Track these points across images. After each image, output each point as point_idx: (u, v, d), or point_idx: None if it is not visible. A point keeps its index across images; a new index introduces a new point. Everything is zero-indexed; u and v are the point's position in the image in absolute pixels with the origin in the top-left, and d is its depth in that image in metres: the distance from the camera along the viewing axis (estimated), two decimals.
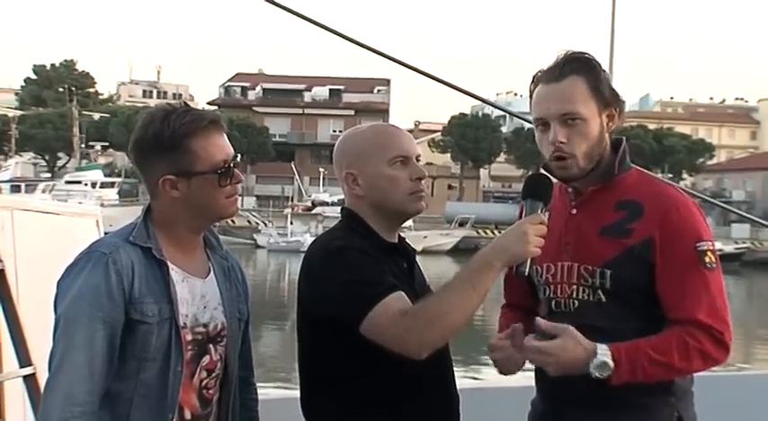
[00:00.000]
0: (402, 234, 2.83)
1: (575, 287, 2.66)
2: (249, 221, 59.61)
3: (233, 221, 49.47)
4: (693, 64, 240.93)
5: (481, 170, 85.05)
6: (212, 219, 2.58)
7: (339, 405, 2.60)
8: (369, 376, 2.56)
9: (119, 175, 73.41)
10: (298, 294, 2.65)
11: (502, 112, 77.16)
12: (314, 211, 64.31)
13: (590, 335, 2.54)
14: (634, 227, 2.60)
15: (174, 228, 2.50)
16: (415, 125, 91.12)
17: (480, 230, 59.93)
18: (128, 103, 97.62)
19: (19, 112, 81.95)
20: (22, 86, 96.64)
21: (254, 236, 57.85)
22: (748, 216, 7.32)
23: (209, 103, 78.74)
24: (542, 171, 2.69)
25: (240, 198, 2.59)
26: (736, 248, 55.57)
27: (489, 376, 17.17)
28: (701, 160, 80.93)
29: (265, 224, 60.96)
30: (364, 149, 2.71)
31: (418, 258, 2.83)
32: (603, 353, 2.47)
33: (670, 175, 66.68)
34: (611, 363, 2.47)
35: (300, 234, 55.96)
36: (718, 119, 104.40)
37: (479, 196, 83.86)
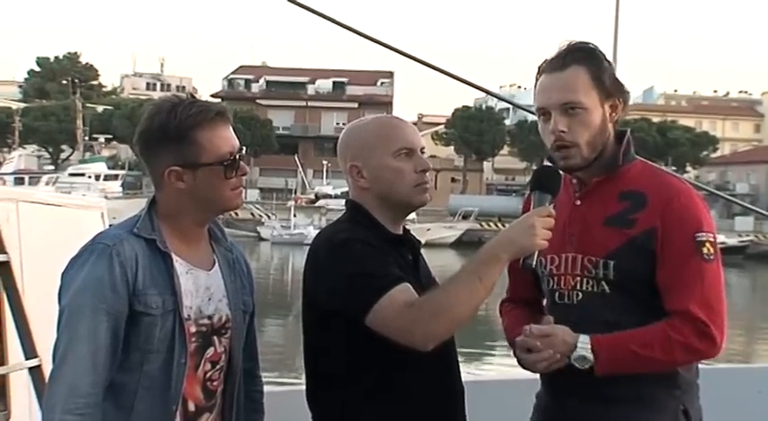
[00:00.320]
0: (406, 226, 2.83)
1: (578, 278, 2.66)
2: (252, 214, 59.65)
3: (236, 214, 49.45)
4: (697, 57, 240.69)
5: (485, 163, 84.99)
6: (217, 212, 2.58)
7: (344, 397, 2.60)
8: (374, 368, 2.55)
9: (122, 168, 73.49)
10: (303, 287, 2.65)
11: (505, 105, 77.22)
12: (317, 204, 64.27)
13: (593, 327, 2.55)
14: (637, 217, 2.60)
15: (179, 220, 2.50)
16: (419, 118, 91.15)
17: (484, 223, 59.95)
18: (131, 96, 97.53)
19: (22, 105, 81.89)
20: (25, 78, 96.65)
21: (258, 228, 57.88)
22: (753, 208, 7.33)
23: (212, 96, 78.61)
24: (547, 163, 2.69)
25: (243, 190, 2.58)
26: (740, 241, 55.53)
27: (493, 369, 17.24)
28: (705, 153, 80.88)
29: (269, 216, 61.00)
30: (369, 141, 2.71)
31: (422, 251, 2.84)
32: (583, 346, 2.50)
33: (674, 168, 66.49)
34: (591, 356, 2.49)
35: (304, 226, 55.99)
36: (722, 112, 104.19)
37: (483, 189, 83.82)
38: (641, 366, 2.54)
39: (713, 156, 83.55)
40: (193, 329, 2.45)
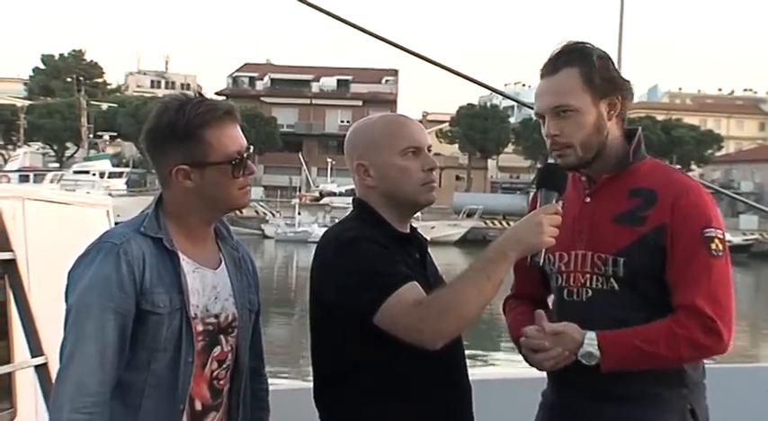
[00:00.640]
0: (412, 224, 2.83)
1: (588, 276, 2.66)
2: (257, 212, 59.64)
3: (240, 211, 49.36)
4: (702, 55, 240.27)
5: (489, 161, 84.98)
6: (224, 210, 2.57)
7: (350, 395, 2.60)
8: (380, 366, 2.55)
9: (127, 165, 73.56)
10: (310, 285, 2.65)
11: (510, 103, 77.13)
12: (322, 202, 64.37)
13: (602, 325, 2.55)
14: (647, 214, 2.60)
15: (186, 219, 2.50)
16: (423, 115, 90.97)
17: (488, 221, 59.94)
18: (136, 94, 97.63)
19: (27, 102, 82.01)
20: (30, 76, 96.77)
21: (262, 226, 57.89)
22: (758, 205, 7.33)
23: (216, 93, 78.67)
24: (553, 160, 2.70)
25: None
26: (745, 240, 55.44)
27: (499, 367, 17.23)
28: (710, 151, 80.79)
29: (273, 214, 60.99)
30: (375, 140, 2.71)
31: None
32: (590, 342, 2.51)
33: (678, 166, 66.39)
34: (597, 353, 2.50)
35: (308, 224, 56.04)
36: (727, 110, 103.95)
37: (487, 187, 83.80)
38: (647, 362, 2.54)
39: (718, 154, 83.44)
40: (200, 328, 2.45)
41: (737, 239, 52.60)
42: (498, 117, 79.53)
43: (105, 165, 65.52)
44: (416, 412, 2.59)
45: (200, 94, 2.53)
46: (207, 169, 2.44)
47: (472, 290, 2.43)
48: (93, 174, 61.66)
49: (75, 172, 63.00)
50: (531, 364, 2.62)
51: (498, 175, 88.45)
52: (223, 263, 2.58)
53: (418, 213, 2.82)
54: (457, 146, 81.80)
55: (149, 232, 2.43)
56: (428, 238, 2.89)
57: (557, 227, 2.47)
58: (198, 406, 2.47)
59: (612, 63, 2.69)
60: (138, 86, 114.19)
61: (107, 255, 2.36)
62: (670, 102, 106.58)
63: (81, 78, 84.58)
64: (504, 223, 57.88)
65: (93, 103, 76.37)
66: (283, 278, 38.55)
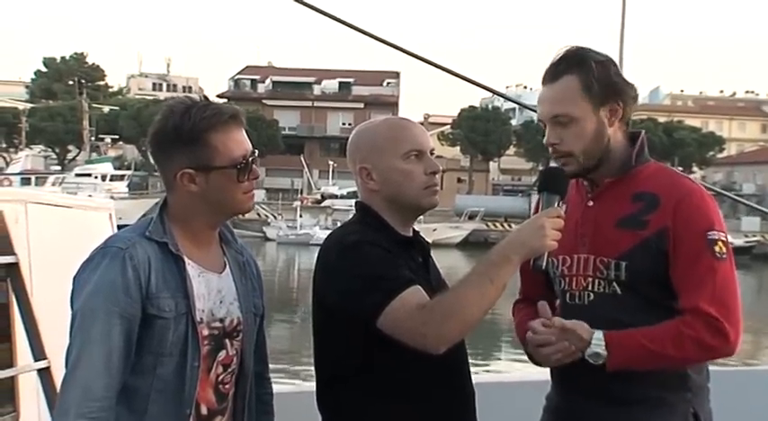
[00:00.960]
0: (416, 227, 2.83)
1: (590, 279, 2.66)
2: (258, 214, 59.66)
3: (242, 214, 49.37)
4: (703, 57, 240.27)
5: (491, 163, 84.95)
6: (229, 214, 2.57)
7: (353, 398, 2.60)
8: (382, 370, 2.55)
9: (128, 168, 73.56)
10: (313, 288, 2.65)
11: (512, 105, 77.13)
12: (323, 204, 64.38)
13: (604, 329, 2.55)
14: (650, 218, 2.60)
15: (191, 223, 2.49)
16: (425, 118, 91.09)
17: (490, 223, 59.91)
18: (137, 96, 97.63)
19: (29, 105, 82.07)
20: (32, 79, 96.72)
21: (264, 228, 57.90)
22: (759, 207, 7.32)
23: (218, 96, 78.65)
24: (554, 164, 2.70)
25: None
26: (747, 242, 55.35)
27: (502, 367, 17.22)
28: (711, 153, 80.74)
29: (275, 217, 61.02)
30: (378, 143, 2.70)
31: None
32: (598, 342, 2.51)
33: (680, 168, 66.12)
34: (604, 353, 2.50)
35: (310, 227, 56.03)
36: (729, 112, 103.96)
37: (489, 189, 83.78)
38: (653, 362, 2.53)
39: (720, 156, 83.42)
40: (206, 332, 2.45)
41: (739, 241, 52.51)
42: (500, 119, 79.51)
43: (107, 168, 65.49)
44: (419, 415, 2.59)
45: (206, 98, 2.53)
46: (212, 173, 2.43)
47: (476, 293, 2.42)
48: (95, 177, 61.63)
49: (77, 175, 62.99)
50: (537, 360, 2.62)
51: (500, 178, 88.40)
52: (228, 267, 2.58)
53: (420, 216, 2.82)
54: (458, 148, 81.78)
55: (154, 236, 2.42)
56: (430, 241, 2.90)
57: (559, 230, 2.46)
58: (204, 410, 2.46)
59: (615, 67, 2.67)
60: (140, 89, 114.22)
61: (113, 260, 2.36)
62: (672, 104, 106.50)
63: (83, 81, 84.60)
64: (505, 225, 57.89)
65: (94, 105, 76.36)
66: (285, 281, 38.56)
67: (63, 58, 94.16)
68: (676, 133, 76.86)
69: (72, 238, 4.08)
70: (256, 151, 2.52)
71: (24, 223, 3.90)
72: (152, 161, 2.56)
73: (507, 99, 6.21)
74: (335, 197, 64.98)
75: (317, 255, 2.66)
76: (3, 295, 3.87)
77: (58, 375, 2.40)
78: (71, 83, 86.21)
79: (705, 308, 2.50)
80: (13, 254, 3.71)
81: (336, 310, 2.57)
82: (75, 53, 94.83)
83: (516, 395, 4.35)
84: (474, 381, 2.75)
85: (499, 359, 18.71)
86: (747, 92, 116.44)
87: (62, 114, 78.94)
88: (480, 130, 77.58)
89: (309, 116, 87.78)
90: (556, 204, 2.55)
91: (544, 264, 2.50)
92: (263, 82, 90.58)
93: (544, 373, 2.84)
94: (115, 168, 68.44)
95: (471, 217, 60.30)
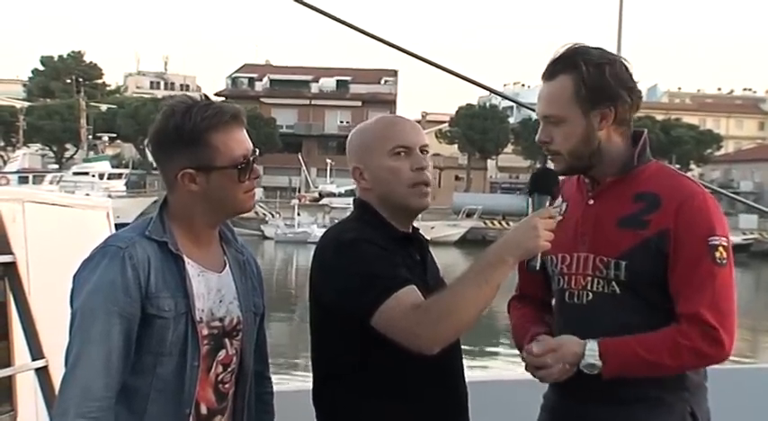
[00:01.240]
0: (414, 225, 2.83)
1: (589, 278, 2.65)
2: (256, 212, 59.55)
3: None
4: (701, 54, 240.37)
5: (488, 161, 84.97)
6: (230, 214, 2.57)
7: (348, 396, 2.61)
8: (379, 368, 2.55)
9: (126, 167, 73.60)
10: (310, 286, 2.65)
11: (509, 103, 77.14)
12: (321, 202, 64.38)
13: (602, 328, 2.56)
14: (651, 218, 2.58)
15: (191, 222, 2.49)
16: (423, 116, 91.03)
17: (488, 221, 59.92)
18: (135, 95, 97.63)
19: (27, 104, 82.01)
20: (29, 78, 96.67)
21: (262, 227, 57.85)
22: (756, 205, 7.32)
23: (216, 94, 78.59)
24: (549, 164, 2.70)
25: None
26: (744, 239, 55.34)
27: (498, 365, 17.23)
28: (709, 151, 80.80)
29: (272, 215, 60.99)
30: (368, 142, 2.71)
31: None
32: (591, 353, 2.51)
33: (678, 166, 66.27)
34: (599, 363, 2.50)
35: (308, 225, 56.01)
36: (726, 109, 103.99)
37: (486, 187, 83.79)
38: (649, 371, 2.54)
39: (717, 154, 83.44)
40: (205, 332, 2.45)
41: (737, 239, 52.45)
42: (497, 117, 79.50)
43: (105, 167, 65.52)
44: (413, 415, 2.59)
45: (206, 97, 2.52)
46: (213, 173, 2.43)
47: (470, 295, 2.41)
48: (93, 176, 61.68)
49: (75, 173, 63.07)
50: (534, 377, 2.63)
51: (498, 175, 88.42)
52: (228, 266, 2.57)
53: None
54: (456, 146, 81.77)
55: (154, 236, 2.42)
56: (428, 238, 2.89)
57: (551, 230, 2.46)
58: (203, 409, 2.46)
59: (613, 68, 2.62)
60: (138, 87, 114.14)
61: (112, 259, 2.35)
62: (669, 101, 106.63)
63: (80, 79, 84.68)
64: (503, 223, 57.87)
65: (92, 104, 76.37)
66: (283, 279, 38.55)
67: (60, 56, 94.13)
68: (674, 131, 76.90)
69: (69, 237, 4.08)
70: (257, 150, 2.52)
71: (22, 222, 3.90)
72: (150, 159, 2.56)
73: (504, 97, 6.20)
74: (333, 195, 64.94)
75: (313, 252, 2.66)
76: (0, 294, 3.86)
77: (56, 374, 2.40)
78: (69, 81, 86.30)
79: (704, 315, 2.49)
80: (11, 253, 3.70)
81: (333, 308, 2.57)
82: (73, 51, 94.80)
83: (514, 394, 4.34)
84: (472, 380, 2.75)
85: (496, 358, 18.71)
86: (745, 89, 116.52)
87: (59, 113, 78.90)
88: (478, 128, 77.58)
89: (307, 114, 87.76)
90: (547, 204, 2.55)
91: (538, 264, 2.50)
92: (261, 80, 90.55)
93: None
94: (113, 167, 68.49)
95: (469, 215, 60.31)
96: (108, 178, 62.47)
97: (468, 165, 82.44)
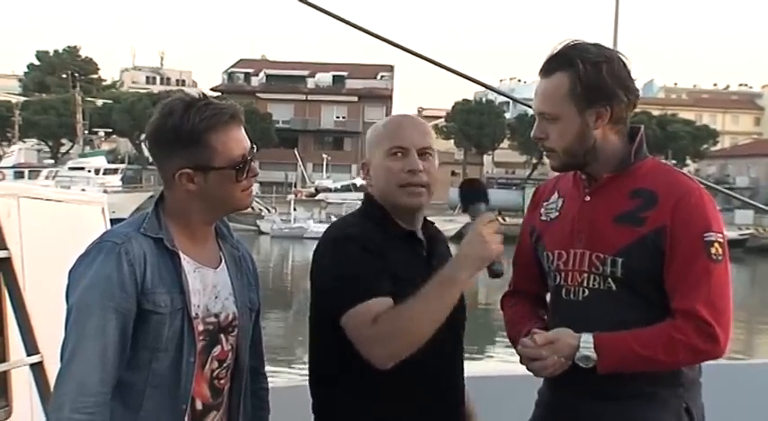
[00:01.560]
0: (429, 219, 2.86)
1: (585, 275, 2.65)
2: (252, 207, 59.55)
3: None
4: (697, 50, 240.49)
5: (485, 156, 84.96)
6: (227, 212, 2.57)
7: (339, 396, 2.64)
8: (365, 369, 2.54)
9: (122, 162, 73.56)
10: (309, 281, 2.69)
11: (506, 98, 77.20)
12: (317, 198, 64.29)
13: (598, 325, 2.55)
14: (647, 215, 2.58)
15: (188, 219, 2.49)
16: (419, 111, 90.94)
17: None
18: (131, 90, 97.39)
19: (22, 99, 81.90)
20: (25, 72, 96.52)
21: (258, 222, 57.83)
22: (750, 201, 7.33)
23: (212, 89, 78.46)
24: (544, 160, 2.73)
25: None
26: (740, 235, 55.43)
27: (495, 360, 17.24)
28: (705, 146, 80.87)
29: (268, 210, 60.95)
30: (374, 140, 2.74)
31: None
32: (586, 346, 2.51)
33: (674, 162, 66.42)
34: (594, 355, 2.50)
35: (303, 220, 56.02)
36: (722, 105, 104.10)
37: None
38: (644, 366, 2.54)
39: (713, 149, 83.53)
40: (201, 327, 2.45)
41: (733, 234, 52.56)
42: (494, 112, 79.47)
43: (100, 162, 65.47)
44: (405, 415, 2.62)
45: (204, 95, 2.51)
46: (211, 173, 2.42)
47: (424, 312, 2.46)
48: (89, 171, 61.63)
49: (71, 168, 62.98)
50: (529, 371, 2.63)
51: (494, 171, 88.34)
52: (223, 262, 2.57)
53: None
54: (452, 141, 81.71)
55: (150, 232, 2.42)
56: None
57: (499, 233, 2.50)
58: (198, 405, 2.46)
59: (610, 66, 2.60)
60: (134, 82, 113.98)
61: (108, 255, 2.35)
62: (665, 97, 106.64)
63: (76, 74, 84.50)
64: (499, 219, 57.66)
65: (88, 99, 76.24)
66: (279, 274, 38.55)
67: (56, 51, 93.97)
68: (670, 126, 76.92)
69: (64, 233, 4.08)
70: (255, 147, 2.52)
71: (17, 217, 3.90)
72: (147, 155, 2.56)
73: (499, 93, 6.21)
74: (329, 190, 64.86)
75: (317, 245, 2.69)
76: None
77: (51, 370, 2.40)
78: (64, 76, 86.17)
79: (698, 311, 2.49)
80: (6, 248, 3.70)
81: (319, 307, 2.63)
82: (69, 46, 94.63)
83: (508, 389, 4.35)
84: (466, 375, 2.76)
85: (491, 356, 18.72)
86: (741, 85, 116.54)
87: (55, 108, 78.74)
88: (474, 124, 77.54)
89: (303, 109, 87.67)
90: (483, 210, 2.58)
91: (503, 268, 2.53)
92: (257, 75, 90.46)
93: None
94: (109, 162, 68.42)
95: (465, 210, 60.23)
96: (104, 173, 62.44)
97: (465, 160, 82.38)
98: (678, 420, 2.62)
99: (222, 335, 2.51)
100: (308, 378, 2.72)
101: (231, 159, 2.43)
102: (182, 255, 2.44)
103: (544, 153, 2.72)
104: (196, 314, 2.43)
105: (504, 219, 58.11)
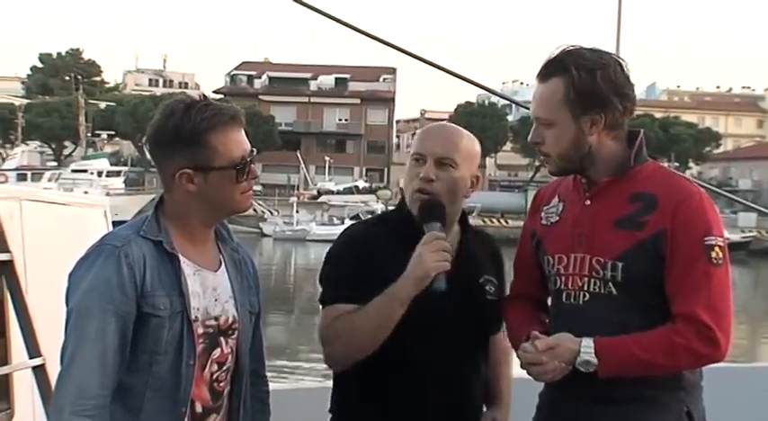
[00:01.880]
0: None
1: (586, 279, 2.64)
2: (255, 210, 59.55)
3: None
4: (700, 53, 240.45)
5: (487, 159, 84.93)
6: (227, 214, 2.57)
7: (340, 397, 2.80)
8: (367, 371, 2.67)
9: (125, 164, 73.59)
10: None
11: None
12: (320, 200, 64.38)
13: (598, 329, 2.55)
14: (647, 219, 2.57)
15: (187, 221, 2.49)
16: (421, 114, 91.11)
17: (486, 219, 59.88)
18: (134, 92, 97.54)
19: (25, 101, 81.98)
20: (28, 75, 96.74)
21: (260, 224, 57.91)
22: (753, 205, 7.31)
23: (214, 92, 78.57)
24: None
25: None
26: (743, 237, 55.41)
27: None
28: (708, 149, 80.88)
29: (271, 213, 61.02)
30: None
31: None
32: (587, 350, 2.51)
33: (676, 164, 66.51)
34: (595, 360, 2.50)
35: (306, 222, 56.05)
36: (725, 107, 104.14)
37: (485, 185, 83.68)
38: (645, 370, 2.53)
39: (716, 152, 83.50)
40: (200, 330, 2.45)
41: (736, 237, 52.54)
42: (496, 115, 79.54)
43: (103, 164, 65.52)
44: (407, 412, 2.69)
45: (205, 97, 2.52)
46: (211, 174, 2.43)
47: (365, 324, 2.60)
48: (91, 173, 61.68)
49: (73, 171, 63.04)
50: (530, 376, 2.63)
51: (496, 173, 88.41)
52: (223, 264, 2.57)
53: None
54: None
55: (149, 235, 2.42)
56: None
57: (444, 249, 2.60)
58: (198, 408, 2.46)
59: (605, 72, 2.58)
60: (137, 85, 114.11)
61: (108, 258, 2.35)
62: (668, 99, 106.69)
63: (79, 77, 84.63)
64: (502, 221, 57.85)
65: (91, 101, 76.36)
66: (281, 276, 38.59)
67: (59, 53, 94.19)
68: (673, 129, 76.93)
69: (67, 236, 4.08)
70: (255, 150, 2.52)
71: (19, 220, 3.91)
72: (149, 157, 2.57)
73: (501, 96, 6.22)
74: (332, 193, 64.94)
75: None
76: None
77: (53, 372, 2.40)
78: (67, 79, 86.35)
79: (699, 315, 2.49)
80: (8, 251, 3.71)
81: None
82: (72, 49, 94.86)
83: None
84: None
85: None
86: (744, 87, 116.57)
87: (58, 110, 78.89)
88: (476, 126, 77.32)
89: (306, 112, 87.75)
90: (437, 229, 2.65)
91: (443, 285, 2.58)
92: (260, 78, 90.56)
93: None
94: (111, 164, 68.51)
95: (468, 213, 60.11)
96: (106, 176, 62.46)
97: None
98: None
99: (222, 338, 2.51)
100: (316, 380, 2.80)
101: (231, 160, 2.44)
102: (181, 258, 2.44)
103: (541, 157, 2.73)
104: (196, 317, 2.43)
105: (506, 222, 58.18)
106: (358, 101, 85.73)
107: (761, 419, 4.82)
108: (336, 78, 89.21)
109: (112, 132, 76.47)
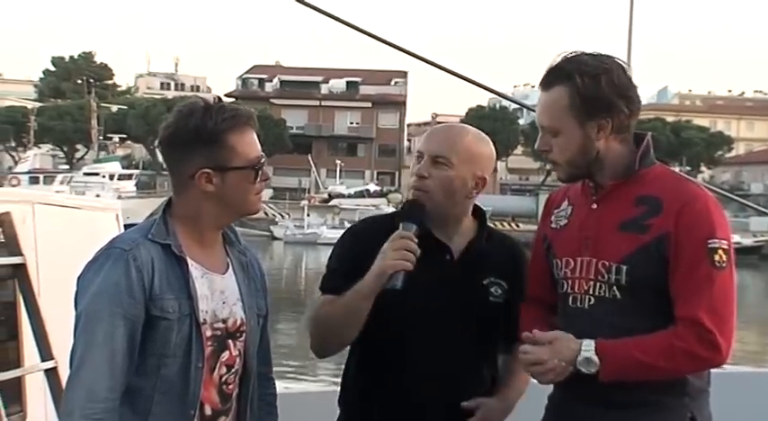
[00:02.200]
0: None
1: (592, 283, 2.63)
2: (266, 213, 59.64)
3: None
4: (712, 56, 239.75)
5: (498, 162, 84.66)
6: (239, 215, 2.59)
7: (345, 397, 2.88)
8: (369, 369, 2.79)
9: (136, 167, 73.76)
10: None
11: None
12: (331, 203, 64.37)
13: (604, 333, 2.54)
14: (652, 222, 2.57)
15: (198, 223, 2.50)
16: (433, 117, 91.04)
17: (498, 223, 59.75)
18: (146, 95, 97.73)
19: (38, 104, 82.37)
20: (40, 78, 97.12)
21: (271, 227, 57.94)
22: (764, 210, 7.31)
23: (226, 95, 78.25)
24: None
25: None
26: (755, 242, 55.16)
27: None
28: (720, 153, 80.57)
29: (282, 216, 61.07)
30: None
31: None
32: (587, 349, 2.51)
33: (688, 168, 66.30)
34: (596, 359, 2.50)
35: (317, 226, 56.06)
36: (737, 111, 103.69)
37: (496, 188, 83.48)
38: (645, 373, 2.53)
39: (728, 156, 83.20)
40: (209, 333, 2.46)
41: (748, 241, 52.37)
42: (507, 119, 79.38)
43: (115, 167, 65.67)
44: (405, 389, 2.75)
45: (219, 99, 2.55)
46: (229, 174, 2.45)
47: (334, 314, 2.70)
48: (103, 176, 61.82)
49: (85, 174, 63.24)
50: (532, 377, 2.64)
51: (507, 177, 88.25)
52: (231, 267, 2.59)
53: None
54: None
55: (157, 239, 2.43)
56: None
57: (408, 249, 2.61)
58: (207, 411, 2.48)
59: (609, 77, 2.57)
60: (148, 88, 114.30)
61: (116, 261, 2.37)
62: (680, 103, 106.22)
63: (91, 80, 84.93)
64: (513, 225, 57.75)
65: (103, 104, 76.55)
66: (292, 280, 38.57)
67: (71, 57, 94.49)
68: (684, 133, 76.68)
69: (79, 239, 4.10)
70: (264, 155, 2.55)
71: (32, 224, 3.93)
72: (160, 160, 2.60)
73: (511, 101, 6.22)
74: (343, 196, 64.91)
75: None
76: (10, 295, 3.89)
77: (65, 375, 2.42)
78: (79, 82, 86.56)
79: (700, 319, 2.48)
80: (21, 254, 3.73)
81: None
82: (84, 52, 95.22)
83: None
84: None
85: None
86: (756, 91, 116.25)
87: (70, 113, 79.11)
88: (488, 130, 74.14)
89: (317, 115, 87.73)
90: (412, 230, 2.67)
91: (399, 284, 2.60)
92: (271, 81, 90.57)
93: None
94: (123, 167, 68.65)
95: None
96: (118, 179, 62.62)
97: None
98: None
99: (230, 341, 2.52)
100: (324, 381, 2.84)
101: (249, 160, 2.47)
102: (189, 261, 2.46)
103: (548, 165, 2.74)
104: (204, 319, 2.45)
105: (517, 226, 58.05)
106: (369, 104, 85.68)
107: None
108: (348, 82, 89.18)
109: (124, 135, 76.63)
